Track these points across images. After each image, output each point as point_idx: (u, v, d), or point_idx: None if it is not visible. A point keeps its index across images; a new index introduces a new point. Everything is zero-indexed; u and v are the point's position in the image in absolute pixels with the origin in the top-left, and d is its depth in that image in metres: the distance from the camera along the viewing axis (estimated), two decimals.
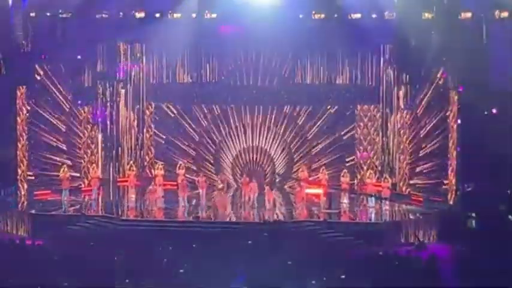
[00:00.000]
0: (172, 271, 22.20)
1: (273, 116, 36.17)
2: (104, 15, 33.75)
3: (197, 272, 21.98)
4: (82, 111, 35.25)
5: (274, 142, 36.35)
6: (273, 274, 21.61)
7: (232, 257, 23.47)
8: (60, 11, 32.98)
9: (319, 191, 32.61)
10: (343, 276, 21.61)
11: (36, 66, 33.46)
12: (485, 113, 32.34)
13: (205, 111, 36.40)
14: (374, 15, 33.30)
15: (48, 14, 32.98)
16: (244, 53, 35.70)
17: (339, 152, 35.80)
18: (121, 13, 34.01)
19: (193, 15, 34.06)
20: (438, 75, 32.82)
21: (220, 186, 33.04)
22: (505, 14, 31.83)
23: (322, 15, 33.73)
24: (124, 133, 36.69)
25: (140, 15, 34.03)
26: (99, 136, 35.99)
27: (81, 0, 32.80)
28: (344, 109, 35.85)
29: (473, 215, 28.89)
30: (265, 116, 36.18)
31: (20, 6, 29.06)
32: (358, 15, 33.45)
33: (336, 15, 33.65)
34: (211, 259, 23.21)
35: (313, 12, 33.66)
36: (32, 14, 31.58)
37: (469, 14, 31.92)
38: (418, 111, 33.73)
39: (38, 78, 33.63)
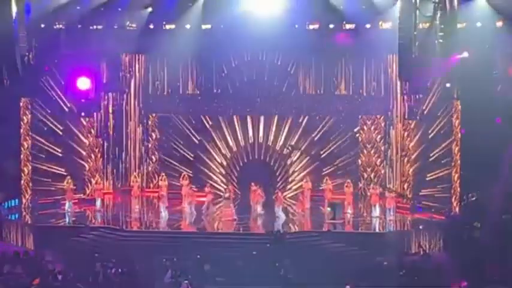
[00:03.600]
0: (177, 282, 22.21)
1: (277, 126, 36.22)
2: (106, 27, 33.80)
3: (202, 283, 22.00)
4: (85, 122, 35.36)
5: (278, 152, 36.36)
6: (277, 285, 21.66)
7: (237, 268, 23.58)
8: (63, 23, 33.01)
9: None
10: (348, 287, 21.57)
11: (40, 77, 33.60)
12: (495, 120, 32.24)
13: (208, 121, 36.44)
14: (376, 25, 33.31)
15: (52, 25, 33.04)
16: (247, 63, 35.76)
17: (343, 162, 35.83)
18: (124, 24, 34.05)
19: (195, 26, 34.10)
20: (441, 85, 32.84)
21: (227, 195, 32.96)
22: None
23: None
24: (127, 144, 36.73)
25: (144, 26, 34.05)
26: (103, 147, 36.07)
27: (85, 11, 32.83)
28: (347, 119, 35.86)
29: (478, 224, 28.80)
30: (269, 126, 36.22)
31: (23, 17, 29.05)
32: (360, 25, 33.47)
33: (335, 25, 33.67)
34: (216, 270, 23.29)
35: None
36: (36, 26, 31.60)
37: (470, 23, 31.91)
38: (421, 121, 33.69)
39: (42, 89, 33.74)
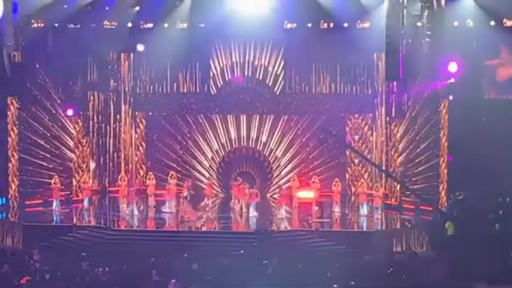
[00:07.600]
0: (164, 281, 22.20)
1: (262, 125, 36.23)
2: (95, 26, 33.80)
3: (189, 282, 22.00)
4: (72, 121, 35.32)
5: (262, 151, 36.36)
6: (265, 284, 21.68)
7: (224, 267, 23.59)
8: (51, 21, 33.04)
9: (311, 195, 32.62)
10: (335, 286, 21.61)
11: (27, 76, 33.52)
12: (484, 119, 32.37)
13: (195, 120, 36.44)
14: (362, 24, 33.43)
15: (39, 24, 33.06)
16: (234, 62, 35.77)
17: (330, 160, 35.87)
18: (113, 23, 34.08)
19: (183, 25, 34.18)
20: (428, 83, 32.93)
21: (185, 194, 33.07)
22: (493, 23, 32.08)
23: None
24: (115, 142, 36.65)
25: (130, 25, 34.11)
26: (90, 145, 36.03)
27: (72, 10, 32.85)
28: (334, 118, 35.86)
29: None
30: (253, 125, 36.24)
31: (11, 16, 29.02)
32: (347, 24, 33.57)
33: (321, 24, 33.80)
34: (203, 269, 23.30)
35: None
36: (23, 24, 31.58)
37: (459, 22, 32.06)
38: (408, 120, 33.74)
39: (30, 88, 33.66)
